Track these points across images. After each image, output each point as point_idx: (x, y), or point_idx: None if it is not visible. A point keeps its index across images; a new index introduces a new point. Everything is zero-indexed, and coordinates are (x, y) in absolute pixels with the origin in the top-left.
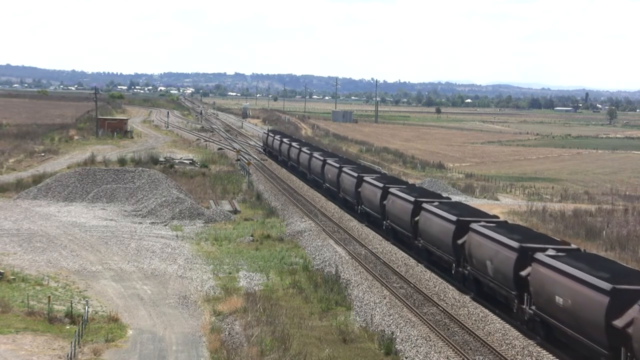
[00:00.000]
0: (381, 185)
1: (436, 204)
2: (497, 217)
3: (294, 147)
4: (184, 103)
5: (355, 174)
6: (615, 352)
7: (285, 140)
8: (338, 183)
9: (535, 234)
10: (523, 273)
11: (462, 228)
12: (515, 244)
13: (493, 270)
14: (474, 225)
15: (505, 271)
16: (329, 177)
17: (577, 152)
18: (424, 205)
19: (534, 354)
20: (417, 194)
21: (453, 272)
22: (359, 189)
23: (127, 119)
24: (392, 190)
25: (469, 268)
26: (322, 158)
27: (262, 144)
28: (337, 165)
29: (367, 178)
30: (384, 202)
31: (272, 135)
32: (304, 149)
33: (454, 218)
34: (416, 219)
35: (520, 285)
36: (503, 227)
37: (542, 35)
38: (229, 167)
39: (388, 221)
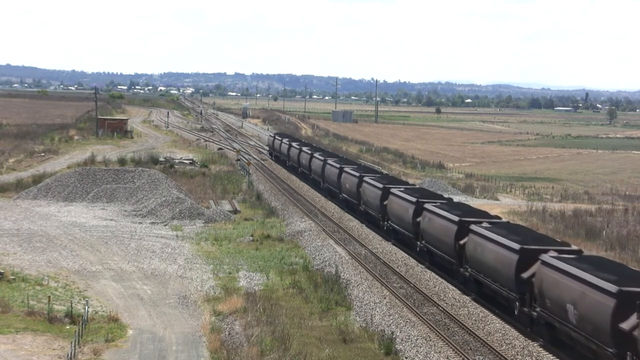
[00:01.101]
0: (414, 200)
1: (438, 204)
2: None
3: (304, 151)
4: (184, 103)
5: (381, 185)
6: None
7: (294, 144)
8: (358, 194)
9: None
10: (418, 219)
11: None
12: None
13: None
14: (393, 190)
15: (408, 220)
16: (346, 187)
17: (577, 152)
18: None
19: (534, 354)
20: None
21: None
22: (385, 202)
23: (127, 119)
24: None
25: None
26: (338, 165)
27: (267, 148)
28: (357, 174)
29: (395, 190)
30: (418, 219)
31: (280, 138)
32: (316, 154)
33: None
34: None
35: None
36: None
37: (542, 35)
38: (229, 167)
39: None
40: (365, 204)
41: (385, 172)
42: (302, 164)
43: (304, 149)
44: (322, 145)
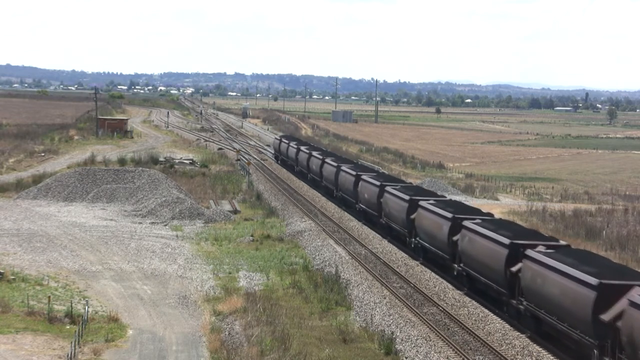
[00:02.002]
0: (450, 216)
1: (432, 201)
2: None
3: (314, 156)
4: (184, 103)
5: (407, 197)
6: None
7: (303, 148)
8: (379, 206)
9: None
10: (455, 238)
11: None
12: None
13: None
14: (422, 203)
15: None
16: (365, 197)
17: (577, 152)
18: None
19: (534, 353)
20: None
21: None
22: (412, 216)
23: (127, 119)
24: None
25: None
26: (354, 173)
27: (273, 151)
28: (378, 183)
29: (425, 203)
30: (455, 237)
31: (287, 141)
32: (328, 160)
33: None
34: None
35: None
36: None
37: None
38: (229, 167)
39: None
40: (388, 216)
41: (410, 181)
42: (312, 170)
43: (314, 153)
44: (332, 150)
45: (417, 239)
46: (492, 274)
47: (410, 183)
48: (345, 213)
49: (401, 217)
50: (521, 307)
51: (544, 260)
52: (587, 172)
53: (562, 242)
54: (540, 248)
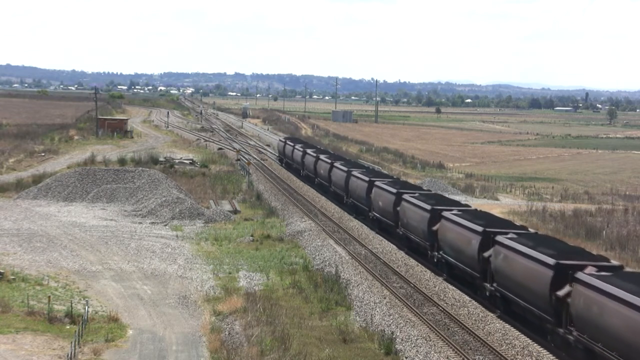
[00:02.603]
0: (480, 230)
1: (457, 212)
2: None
3: (322, 160)
4: (184, 103)
5: (428, 206)
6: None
7: (309, 151)
8: (395, 215)
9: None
10: (486, 254)
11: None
12: (367, 179)
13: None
14: (445, 213)
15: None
16: (379, 204)
17: (577, 152)
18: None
19: (534, 353)
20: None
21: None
22: (434, 228)
23: (127, 119)
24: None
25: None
26: (366, 178)
27: (277, 154)
28: (393, 190)
29: (449, 214)
30: (487, 254)
31: (292, 144)
32: (337, 164)
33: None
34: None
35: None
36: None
37: (542, 35)
38: (229, 167)
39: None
40: (406, 227)
41: (427, 189)
42: (319, 174)
43: (322, 157)
44: (333, 150)
45: (441, 253)
46: (533, 297)
47: (429, 190)
48: (346, 213)
49: (421, 229)
50: (570, 337)
51: (599, 285)
52: (587, 172)
53: (614, 262)
54: (591, 270)
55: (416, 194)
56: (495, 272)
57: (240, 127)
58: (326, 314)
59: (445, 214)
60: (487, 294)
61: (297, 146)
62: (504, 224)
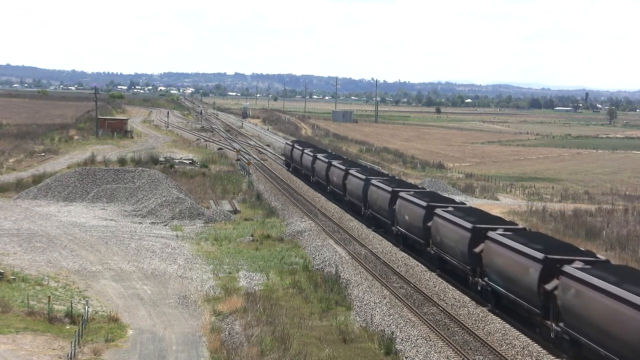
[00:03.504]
0: (540, 257)
1: (506, 232)
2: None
3: (335, 167)
4: (184, 103)
5: (469, 224)
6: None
7: (320, 156)
8: (426, 231)
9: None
10: (477, 250)
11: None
12: (390, 189)
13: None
14: (438, 210)
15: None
16: (405, 219)
17: (577, 152)
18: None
19: (534, 353)
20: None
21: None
22: (477, 250)
23: (127, 119)
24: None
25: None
26: (389, 188)
27: (283, 158)
28: (423, 203)
29: (495, 235)
30: (552, 287)
31: (300, 148)
32: (353, 171)
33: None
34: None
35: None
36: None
37: (542, 35)
38: (229, 167)
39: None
40: (439, 246)
41: (461, 201)
42: (332, 182)
43: (335, 162)
44: (333, 150)
45: (486, 280)
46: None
47: (463, 203)
48: (346, 213)
49: (460, 250)
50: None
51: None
52: (587, 172)
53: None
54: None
55: (450, 208)
56: (562, 309)
57: (240, 127)
58: (326, 314)
59: (492, 235)
60: (552, 335)
61: (307, 151)
62: (569, 250)
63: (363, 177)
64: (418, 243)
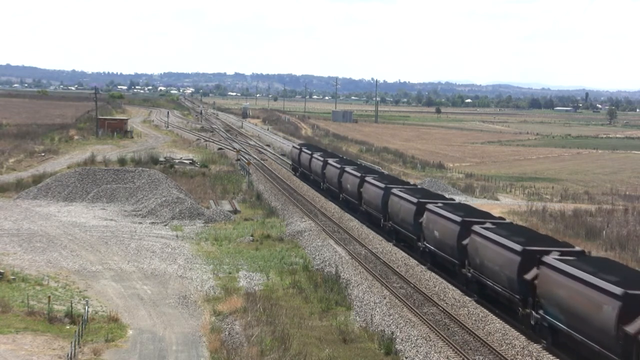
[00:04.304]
0: (619, 293)
1: (563, 256)
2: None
3: (349, 173)
4: (184, 103)
5: (518, 247)
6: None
7: (331, 161)
8: (461, 250)
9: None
10: (464, 242)
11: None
12: (415, 200)
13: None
14: (429, 206)
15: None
16: (435, 235)
17: (577, 152)
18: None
19: (534, 353)
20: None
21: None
22: (528, 276)
23: (127, 119)
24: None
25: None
26: (414, 200)
27: (290, 162)
28: (457, 219)
29: (551, 260)
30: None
31: (309, 152)
32: (369, 178)
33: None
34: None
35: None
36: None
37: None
38: (229, 167)
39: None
40: (479, 268)
41: (499, 216)
42: (345, 190)
43: (348, 169)
44: (333, 150)
45: (541, 312)
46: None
47: (503, 219)
48: (346, 213)
49: (506, 275)
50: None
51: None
52: (587, 172)
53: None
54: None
55: (490, 225)
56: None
57: (240, 127)
58: (326, 314)
59: (548, 260)
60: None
61: (316, 155)
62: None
63: (382, 185)
64: (450, 263)
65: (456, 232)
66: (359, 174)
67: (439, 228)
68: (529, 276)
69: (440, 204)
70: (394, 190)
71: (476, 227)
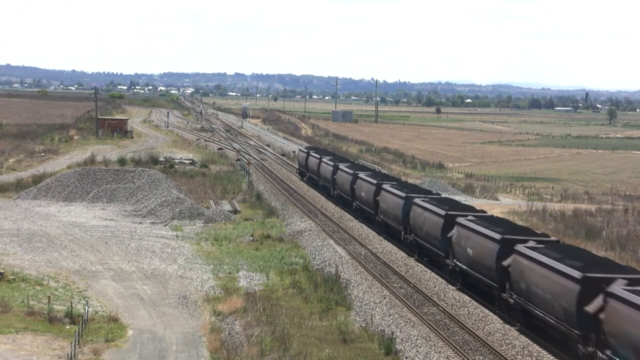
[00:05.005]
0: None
1: (427, 199)
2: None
3: (364, 180)
4: (184, 103)
5: (578, 274)
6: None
7: (343, 166)
8: (502, 273)
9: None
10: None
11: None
12: (442, 212)
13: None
14: (460, 220)
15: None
16: (468, 253)
17: (577, 152)
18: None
19: (534, 353)
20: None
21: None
22: (590, 308)
23: (127, 119)
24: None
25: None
26: (441, 212)
27: (297, 166)
28: (496, 236)
29: (619, 289)
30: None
31: (317, 156)
32: (387, 186)
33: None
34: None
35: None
36: (484, 218)
37: (542, 35)
38: (229, 167)
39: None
40: (529, 298)
41: (543, 232)
42: (359, 198)
43: (362, 175)
44: (332, 149)
45: (609, 353)
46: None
47: (547, 235)
48: (346, 213)
49: (563, 307)
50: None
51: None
52: (587, 172)
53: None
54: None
55: (535, 244)
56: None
57: (240, 127)
58: (326, 314)
59: (615, 290)
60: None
61: (325, 159)
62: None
63: (403, 194)
64: (487, 285)
65: (495, 250)
66: (375, 181)
67: (472, 245)
68: (591, 308)
69: (471, 217)
70: (417, 200)
71: (520, 247)
